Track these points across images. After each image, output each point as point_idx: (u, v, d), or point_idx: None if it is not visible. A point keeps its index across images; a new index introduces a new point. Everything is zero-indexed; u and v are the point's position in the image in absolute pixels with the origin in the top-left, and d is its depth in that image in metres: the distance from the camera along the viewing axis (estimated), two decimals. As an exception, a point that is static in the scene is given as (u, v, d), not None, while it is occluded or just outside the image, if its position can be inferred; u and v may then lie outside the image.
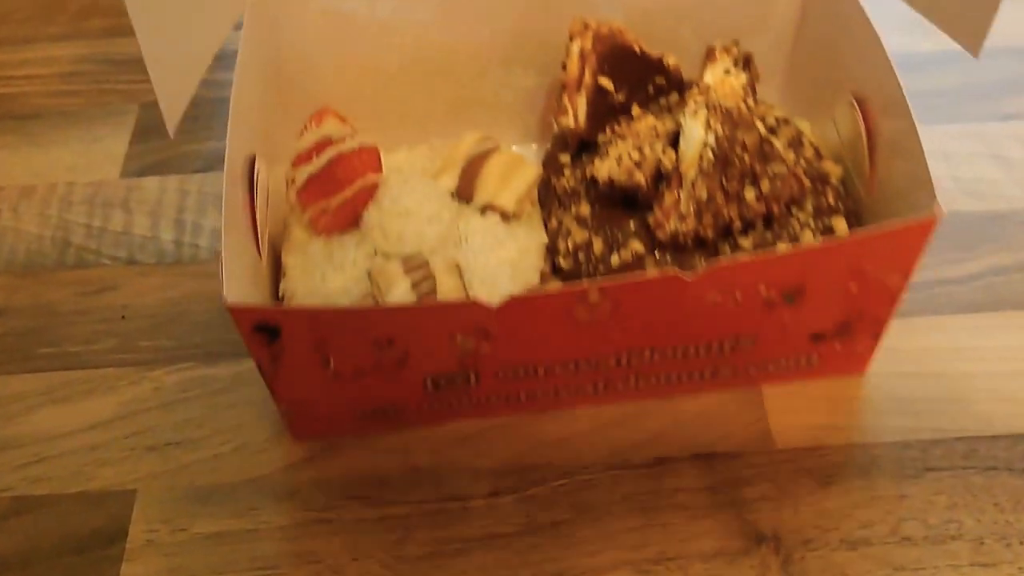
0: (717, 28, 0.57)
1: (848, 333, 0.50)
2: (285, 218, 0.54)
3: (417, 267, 0.48)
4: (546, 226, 0.54)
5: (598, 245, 0.51)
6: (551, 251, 0.53)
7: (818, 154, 0.53)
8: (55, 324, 0.58)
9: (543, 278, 0.53)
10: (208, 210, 0.64)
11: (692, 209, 0.47)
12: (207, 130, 0.69)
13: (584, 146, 0.54)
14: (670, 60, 0.55)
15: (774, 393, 0.53)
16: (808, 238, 0.50)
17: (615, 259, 0.50)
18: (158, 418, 0.53)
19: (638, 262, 0.50)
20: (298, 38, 0.56)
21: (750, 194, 0.48)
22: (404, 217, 0.50)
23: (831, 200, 0.51)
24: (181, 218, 0.64)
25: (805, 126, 0.55)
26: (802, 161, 0.52)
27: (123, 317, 0.58)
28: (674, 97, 0.55)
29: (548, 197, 0.55)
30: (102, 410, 0.54)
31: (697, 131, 0.48)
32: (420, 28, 0.57)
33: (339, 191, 0.50)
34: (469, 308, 0.43)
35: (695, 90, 0.50)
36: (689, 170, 0.47)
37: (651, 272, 0.49)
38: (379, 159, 0.51)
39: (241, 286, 0.44)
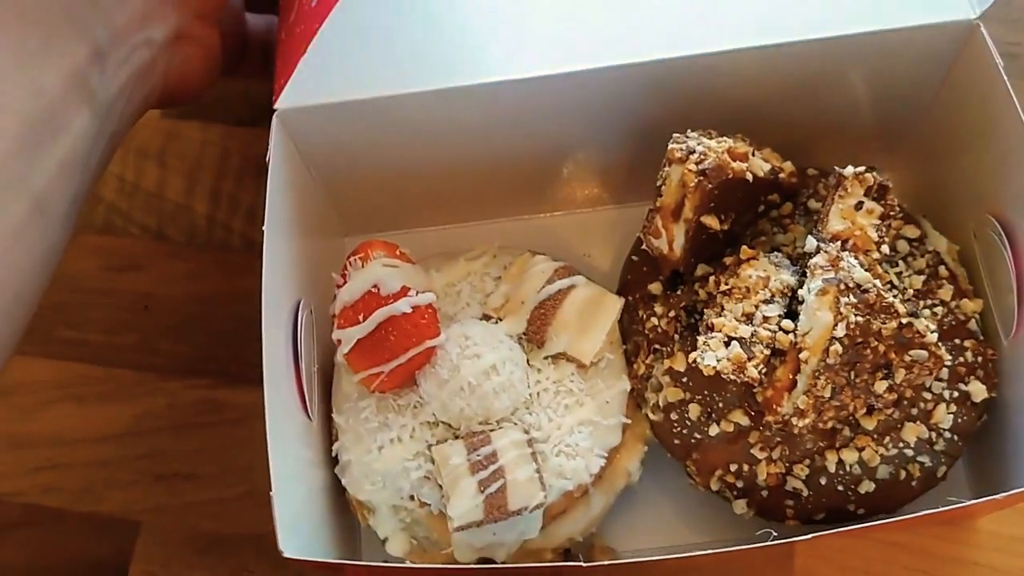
0: (835, 104, 0.48)
1: None
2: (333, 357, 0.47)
3: (484, 461, 0.41)
4: (629, 360, 0.47)
5: (695, 409, 0.44)
6: (636, 397, 0.46)
7: (957, 289, 0.45)
8: (78, 303, 0.56)
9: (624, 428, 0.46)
10: (246, 181, 0.59)
11: (811, 403, 0.40)
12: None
13: (677, 275, 0.46)
14: (784, 171, 0.45)
15: None
16: (941, 414, 0.43)
17: (714, 429, 0.43)
18: (170, 442, 0.52)
19: (741, 436, 0.43)
20: (333, 143, 0.47)
21: (881, 386, 0.40)
22: (467, 393, 0.42)
23: (969, 356, 0.44)
24: (218, 187, 0.59)
25: (941, 244, 0.46)
26: (938, 309, 0.44)
27: (146, 307, 0.56)
28: (786, 207, 0.46)
29: (632, 326, 0.47)
30: (116, 420, 0.53)
31: (823, 316, 0.39)
32: (472, 134, 0.47)
33: (393, 357, 0.42)
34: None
35: (820, 256, 0.40)
36: (811, 359, 0.40)
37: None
38: (436, 320, 0.43)
39: (294, 517, 0.39)
